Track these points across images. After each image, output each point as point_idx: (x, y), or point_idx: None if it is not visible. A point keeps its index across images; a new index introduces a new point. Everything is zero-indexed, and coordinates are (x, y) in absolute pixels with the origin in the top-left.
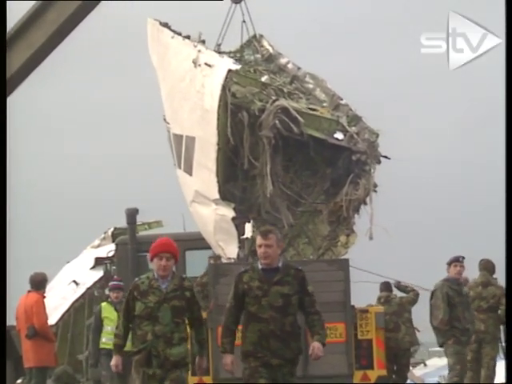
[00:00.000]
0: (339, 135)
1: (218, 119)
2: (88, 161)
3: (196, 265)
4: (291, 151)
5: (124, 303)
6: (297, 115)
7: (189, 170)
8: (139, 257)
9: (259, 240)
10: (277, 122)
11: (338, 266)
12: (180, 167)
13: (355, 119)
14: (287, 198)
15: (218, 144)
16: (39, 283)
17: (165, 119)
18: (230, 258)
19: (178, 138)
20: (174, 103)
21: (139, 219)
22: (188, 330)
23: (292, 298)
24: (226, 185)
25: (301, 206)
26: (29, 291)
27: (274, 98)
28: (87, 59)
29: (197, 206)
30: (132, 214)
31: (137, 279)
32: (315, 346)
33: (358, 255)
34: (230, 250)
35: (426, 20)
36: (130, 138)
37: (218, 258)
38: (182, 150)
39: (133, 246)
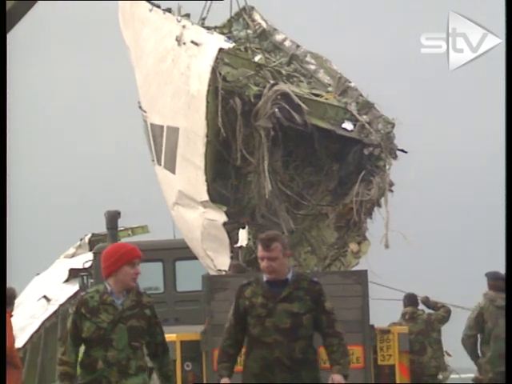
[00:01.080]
0: (348, 125)
1: (207, 107)
2: (57, 159)
3: (188, 277)
4: (292, 144)
5: (70, 323)
6: (300, 102)
7: (171, 167)
8: None
9: (261, 252)
10: (276, 110)
11: (355, 278)
12: (160, 163)
13: (367, 106)
14: (286, 200)
15: (207, 136)
16: (6, 300)
17: (140, 107)
18: (220, 271)
19: (158, 128)
20: (153, 88)
21: (121, 224)
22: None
23: (304, 318)
24: (213, 184)
25: (302, 208)
26: None
27: (272, 81)
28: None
29: (180, 210)
30: (113, 218)
31: (83, 293)
32: (335, 379)
33: (371, 266)
34: (220, 261)
35: (426, 20)
36: (107, 129)
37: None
38: (163, 143)
39: None
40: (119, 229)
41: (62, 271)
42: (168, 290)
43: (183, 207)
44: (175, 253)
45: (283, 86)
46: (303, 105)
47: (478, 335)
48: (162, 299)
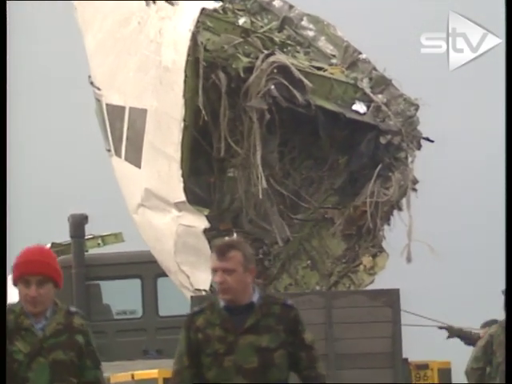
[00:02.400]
0: (360, 107)
1: (186, 83)
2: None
3: (172, 298)
4: (287, 131)
5: None
6: (302, 77)
7: (135, 159)
8: (89, 287)
9: (214, 261)
10: (272, 87)
11: (385, 299)
12: (119, 155)
13: (382, 83)
14: (281, 201)
15: (185, 120)
16: None
17: (92, 82)
18: (198, 290)
19: (117, 110)
20: (110, 59)
21: (89, 231)
22: None
23: (275, 355)
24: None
25: (301, 211)
26: None
27: (265, 51)
28: None
29: (147, 213)
30: (78, 224)
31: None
32: None
33: (390, 286)
34: (199, 278)
35: (426, 20)
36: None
37: None
38: (124, 128)
39: (79, 269)
40: (86, 237)
41: (11, 289)
42: (148, 315)
43: (151, 210)
44: (157, 267)
45: (281, 57)
46: (307, 81)
47: (487, 368)
48: (140, 326)
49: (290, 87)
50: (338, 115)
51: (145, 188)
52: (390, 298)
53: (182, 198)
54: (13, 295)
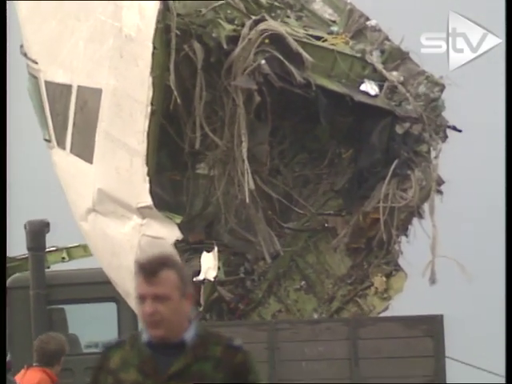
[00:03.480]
0: (370, 87)
1: (154, 56)
2: None
3: None
4: (276, 117)
5: None
6: (301, 49)
7: (84, 153)
8: (52, 312)
9: (141, 286)
10: (263, 62)
11: (425, 327)
12: (62, 146)
13: (398, 56)
14: (268, 205)
15: (153, 104)
16: (53, 354)
17: (25, 54)
18: None
19: (60, 90)
20: (52, 25)
21: (51, 242)
22: None
23: None
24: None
25: (293, 219)
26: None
27: (253, 17)
28: None
29: (100, 220)
30: (37, 233)
31: None
32: None
33: (408, 311)
34: None
35: (426, 20)
36: None
37: None
38: (70, 113)
39: (39, 290)
40: (48, 249)
41: None
42: None
43: (105, 216)
44: None
45: (273, 24)
46: (306, 54)
47: None
48: None
49: (286, 62)
50: (342, 98)
51: (98, 189)
52: (432, 327)
53: (148, 201)
54: None
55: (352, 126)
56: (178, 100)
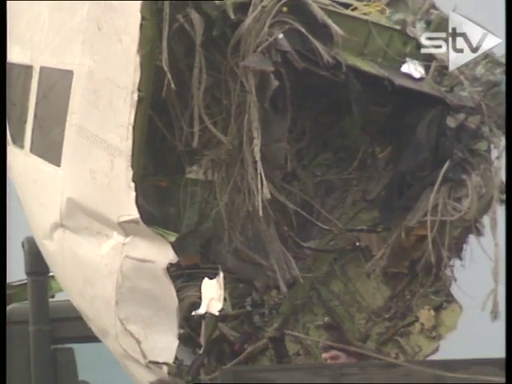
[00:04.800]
0: (414, 68)
1: (142, 30)
2: None
3: None
4: (293, 106)
5: None
6: (328, 20)
7: (49, 152)
8: (57, 352)
9: None
10: (281, 36)
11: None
12: (19, 144)
13: (447, 29)
14: (283, 219)
15: (140, 89)
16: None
17: None
18: (155, 364)
19: (17, 71)
20: None
21: None
22: None
23: None
24: None
25: (316, 236)
26: None
27: None
28: None
29: (69, 238)
30: (39, 252)
31: None
32: None
33: (463, 355)
34: (156, 345)
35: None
36: None
37: None
38: (30, 101)
39: (40, 326)
40: (52, 273)
41: None
42: None
43: (76, 233)
44: None
45: None
46: (336, 26)
47: None
48: None
49: (309, 36)
50: (379, 81)
51: (67, 198)
52: (493, 372)
53: (133, 213)
54: None
55: (391, 118)
56: (172, 85)
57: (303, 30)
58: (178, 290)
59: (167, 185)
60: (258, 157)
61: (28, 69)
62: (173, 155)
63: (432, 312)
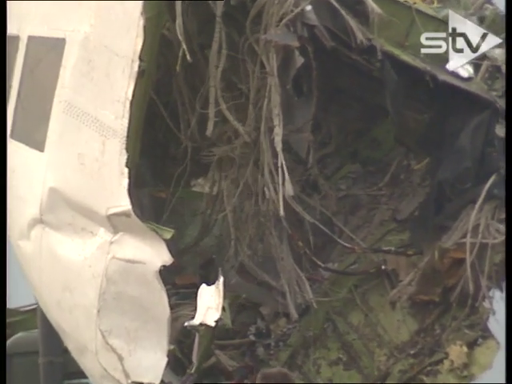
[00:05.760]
0: (462, 66)
1: None
2: None
3: None
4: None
5: None
6: None
7: (32, 137)
8: None
9: None
10: (309, 8)
11: None
12: None
13: (503, 26)
14: (299, 235)
15: (142, 59)
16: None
17: None
18: None
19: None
20: None
21: None
22: None
23: None
24: None
25: (335, 256)
26: None
27: None
28: None
29: (48, 236)
30: None
31: None
32: None
33: None
34: (140, 362)
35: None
36: None
37: None
38: (14, 78)
39: (52, 357)
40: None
41: None
42: None
43: (57, 231)
44: None
45: None
46: (374, 4)
47: None
48: None
49: (342, 11)
50: (420, 76)
51: (49, 188)
52: None
53: (124, 205)
54: None
55: (431, 126)
56: (187, 56)
57: (335, 2)
58: (171, 309)
59: (166, 196)
60: (279, 147)
61: (14, 40)
62: (175, 163)
63: (464, 348)
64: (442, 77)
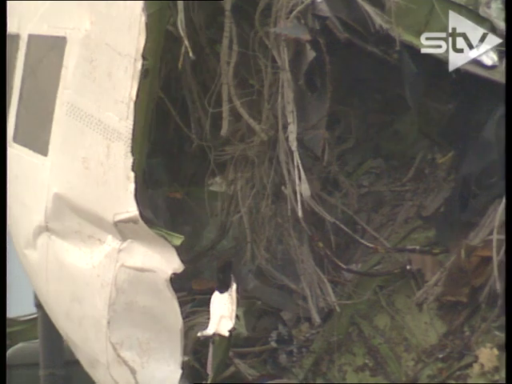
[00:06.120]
0: (486, 54)
1: None
2: None
3: None
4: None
5: None
6: None
7: (36, 141)
8: None
9: None
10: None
11: None
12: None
13: None
14: (320, 236)
15: (145, 58)
16: None
17: None
18: None
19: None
20: None
21: None
22: None
23: None
24: None
25: (357, 257)
26: None
27: None
28: None
29: (56, 244)
30: None
31: None
32: None
33: None
34: (155, 375)
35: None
36: None
37: None
38: (15, 79)
39: (53, 370)
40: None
41: None
42: None
43: (63, 239)
44: None
45: None
46: None
47: None
48: None
49: (357, 3)
50: (441, 66)
51: (54, 194)
52: None
53: (131, 211)
54: None
55: (455, 117)
56: (190, 53)
57: None
58: (185, 317)
59: (182, 197)
60: (294, 146)
61: (14, 39)
62: (190, 161)
63: (495, 351)
64: (464, 66)
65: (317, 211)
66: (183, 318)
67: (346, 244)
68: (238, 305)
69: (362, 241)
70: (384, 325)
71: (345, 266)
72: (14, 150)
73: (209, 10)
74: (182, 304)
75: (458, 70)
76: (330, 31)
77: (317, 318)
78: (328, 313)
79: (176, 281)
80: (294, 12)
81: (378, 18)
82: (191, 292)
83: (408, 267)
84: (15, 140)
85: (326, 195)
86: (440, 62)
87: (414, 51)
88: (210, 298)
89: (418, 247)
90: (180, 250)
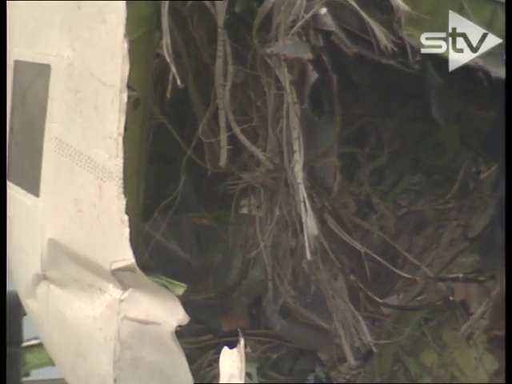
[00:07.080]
0: None
1: (131, 5)
2: None
3: None
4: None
5: None
6: None
7: (26, 179)
8: None
9: None
10: (323, 11)
11: None
12: None
13: None
14: (352, 267)
15: (131, 88)
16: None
17: None
18: None
19: None
20: None
21: (31, 329)
22: None
23: None
24: None
25: (395, 288)
26: None
27: None
28: None
29: (55, 294)
30: (9, 313)
31: None
32: None
33: None
34: None
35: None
36: None
37: None
38: (5, 113)
39: None
40: (27, 343)
41: None
42: None
43: (63, 288)
44: None
45: None
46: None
47: None
48: None
49: (362, 12)
50: (472, 73)
51: (49, 239)
52: None
53: (128, 258)
54: None
55: (497, 125)
56: (178, 81)
57: (355, 4)
58: (208, 365)
59: (210, 223)
60: (300, 178)
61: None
62: (218, 183)
63: None
64: (495, 72)
65: (346, 240)
66: (205, 367)
67: (387, 273)
68: (248, 360)
69: (398, 271)
70: (432, 362)
71: (381, 301)
72: (9, 190)
73: (209, 25)
74: (205, 349)
75: (488, 76)
76: (336, 46)
77: (352, 360)
78: (366, 353)
79: (202, 321)
80: (294, 28)
81: (382, 35)
82: (218, 335)
83: (451, 298)
84: (9, 178)
85: (357, 219)
86: (469, 69)
87: (438, 60)
88: (237, 340)
89: (461, 275)
90: (209, 283)
